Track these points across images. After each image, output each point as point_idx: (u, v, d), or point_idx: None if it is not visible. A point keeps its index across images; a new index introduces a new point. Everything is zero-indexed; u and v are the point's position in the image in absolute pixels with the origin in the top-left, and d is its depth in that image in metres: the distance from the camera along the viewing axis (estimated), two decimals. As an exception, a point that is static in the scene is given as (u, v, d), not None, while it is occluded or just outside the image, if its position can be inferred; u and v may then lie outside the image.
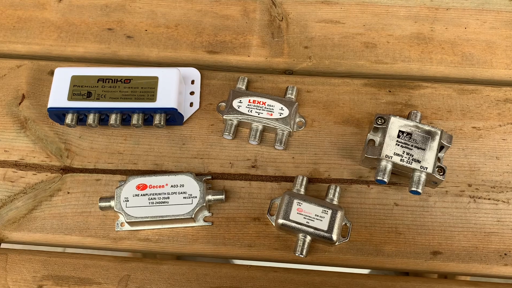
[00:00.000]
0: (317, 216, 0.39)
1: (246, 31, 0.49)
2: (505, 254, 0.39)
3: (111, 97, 0.41)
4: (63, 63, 0.47)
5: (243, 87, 0.45)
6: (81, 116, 0.43)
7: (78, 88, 0.42)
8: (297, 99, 0.45)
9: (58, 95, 0.42)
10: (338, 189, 0.40)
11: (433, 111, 0.44)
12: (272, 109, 0.43)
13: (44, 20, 0.50)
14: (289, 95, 0.44)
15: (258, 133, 0.43)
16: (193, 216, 0.39)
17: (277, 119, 0.43)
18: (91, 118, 0.42)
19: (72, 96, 0.42)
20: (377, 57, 0.48)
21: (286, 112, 0.43)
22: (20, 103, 0.45)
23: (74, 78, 0.42)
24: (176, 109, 0.42)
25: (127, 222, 0.39)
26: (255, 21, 0.49)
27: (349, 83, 0.46)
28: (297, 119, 0.44)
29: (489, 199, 0.41)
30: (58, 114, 0.42)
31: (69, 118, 0.42)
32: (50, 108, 0.41)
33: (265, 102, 0.43)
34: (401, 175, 0.41)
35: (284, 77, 0.47)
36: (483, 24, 0.49)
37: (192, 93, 0.45)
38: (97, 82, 0.42)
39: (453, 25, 0.49)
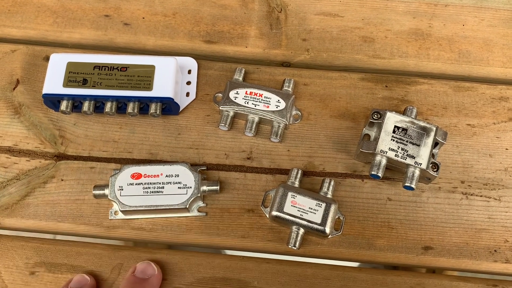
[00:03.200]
0: (311, 209, 0.39)
1: (244, 21, 0.49)
2: (495, 250, 0.40)
3: (107, 84, 0.41)
4: (58, 48, 0.47)
5: (240, 78, 0.45)
6: (76, 103, 0.42)
7: (74, 75, 0.41)
8: (294, 92, 0.45)
9: (53, 81, 0.41)
10: (332, 183, 0.40)
11: (429, 107, 0.45)
12: (269, 101, 0.43)
13: (40, 4, 0.49)
14: (286, 88, 0.44)
15: (254, 125, 0.43)
16: (187, 206, 0.39)
17: (273, 112, 0.43)
18: (86, 106, 0.42)
19: (68, 82, 0.41)
20: (375, 51, 0.48)
21: (282, 104, 0.43)
22: (14, 88, 0.45)
23: (70, 65, 0.42)
24: (172, 99, 0.41)
25: (121, 211, 0.39)
26: (253, 11, 0.49)
27: (346, 77, 0.46)
28: (294, 112, 0.44)
29: (481, 196, 0.41)
30: (53, 101, 0.42)
31: (64, 105, 0.42)
32: (45, 94, 0.41)
33: (262, 94, 0.43)
34: (395, 170, 0.41)
35: (281, 69, 0.47)
36: (481, 22, 0.49)
37: (188, 83, 0.45)
38: (93, 69, 0.42)
39: (451, 22, 0.49)
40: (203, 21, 0.49)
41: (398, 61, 0.47)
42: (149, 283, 0.37)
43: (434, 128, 0.40)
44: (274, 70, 0.46)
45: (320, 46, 0.48)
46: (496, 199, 0.41)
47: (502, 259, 0.39)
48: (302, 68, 0.47)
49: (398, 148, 0.40)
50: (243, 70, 0.45)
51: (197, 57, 0.47)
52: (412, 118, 0.41)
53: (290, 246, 0.39)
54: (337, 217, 0.40)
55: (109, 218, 0.40)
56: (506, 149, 0.43)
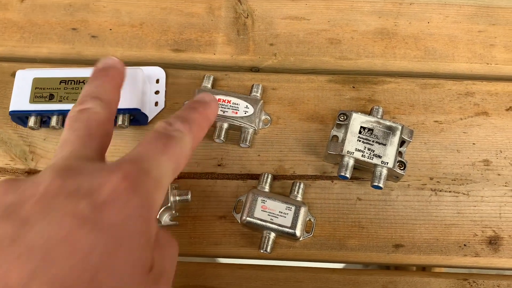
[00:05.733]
0: (281, 212, 0.39)
1: (211, 28, 0.49)
2: (464, 245, 0.40)
3: (73, 98, 0.41)
4: (27, 64, 0.47)
5: (209, 86, 0.45)
6: (44, 118, 0.42)
7: (40, 91, 0.42)
8: (263, 97, 0.45)
9: (20, 98, 0.41)
10: (302, 186, 0.41)
11: (396, 106, 0.45)
12: (237, 107, 0.43)
13: (6, 20, 0.49)
14: (254, 93, 0.45)
15: (223, 132, 0.43)
16: (158, 217, 0.39)
17: (242, 117, 0.43)
18: (54, 120, 0.42)
19: (34, 98, 0.41)
20: (342, 53, 0.48)
21: (251, 110, 0.43)
22: (-17, 106, 0.45)
23: (35, 81, 0.42)
24: (139, 110, 0.42)
25: (92, 224, 0.39)
26: (220, 18, 0.49)
27: (314, 79, 0.46)
28: (263, 117, 0.45)
29: (450, 191, 0.42)
30: (20, 117, 0.42)
31: (32, 121, 0.42)
32: (12, 111, 0.41)
33: (230, 101, 0.44)
34: (363, 170, 0.42)
35: (250, 74, 0.47)
36: (445, 19, 0.50)
37: (157, 92, 0.45)
38: (59, 84, 0.42)
39: (416, 20, 0.49)
40: (170, 30, 0.49)
41: (364, 61, 0.48)
42: (210, 107, 0.36)
43: (400, 127, 0.41)
44: (242, 76, 0.47)
45: (287, 50, 0.48)
46: (464, 194, 0.42)
47: (472, 253, 0.40)
48: (271, 73, 0.47)
49: (364, 149, 0.40)
50: (212, 77, 0.45)
51: (166, 66, 0.47)
52: (378, 118, 0.41)
53: (262, 251, 0.39)
54: (307, 219, 0.41)
55: (82, 231, 0.41)
56: (473, 144, 0.44)
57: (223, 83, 0.46)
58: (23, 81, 0.42)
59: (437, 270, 0.55)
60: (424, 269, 0.56)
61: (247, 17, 0.50)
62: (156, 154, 0.29)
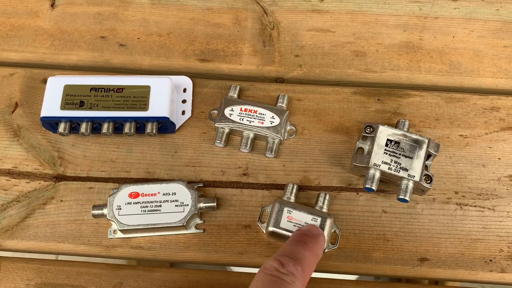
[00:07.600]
0: (307, 223, 0.39)
1: (237, 39, 0.50)
2: (490, 260, 0.40)
3: (103, 106, 0.42)
4: (56, 71, 0.48)
5: (235, 95, 0.45)
6: (74, 124, 0.43)
7: (71, 97, 0.42)
8: (288, 108, 0.46)
9: (51, 104, 0.42)
10: (327, 197, 0.41)
11: (421, 119, 0.45)
12: (263, 117, 0.44)
13: (37, 28, 0.50)
14: (280, 104, 0.45)
15: (249, 141, 0.43)
16: (184, 224, 0.40)
17: (268, 128, 0.43)
18: (83, 127, 0.42)
19: (65, 105, 0.42)
20: (367, 65, 0.48)
21: (277, 120, 0.44)
22: (13, 111, 0.46)
23: (67, 87, 0.43)
24: (168, 118, 0.42)
25: (119, 230, 0.40)
26: (246, 29, 0.50)
27: (339, 91, 0.47)
28: (288, 127, 0.45)
29: (475, 206, 0.42)
30: (51, 123, 0.43)
31: (62, 127, 0.42)
32: (43, 117, 0.42)
33: (257, 111, 0.44)
34: (389, 183, 0.42)
35: (275, 85, 0.47)
36: (470, 33, 0.50)
37: (184, 101, 0.46)
38: (90, 91, 0.42)
39: (441, 34, 0.50)
40: (197, 40, 0.49)
41: (389, 74, 0.48)
42: (319, 242, 0.35)
43: (426, 141, 0.41)
44: (268, 87, 0.47)
45: (312, 62, 0.49)
46: (490, 209, 0.42)
47: (498, 269, 0.40)
48: (296, 84, 0.48)
49: (391, 161, 0.40)
50: (238, 87, 0.46)
51: (192, 75, 0.48)
52: (404, 131, 0.41)
53: (287, 261, 0.39)
54: (333, 231, 0.41)
55: (108, 237, 0.41)
56: (499, 158, 0.44)
57: (249, 93, 0.47)
58: (55, 87, 0.43)
59: (449, 284, 0.54)
60: (437, 283, 0.56)
61: (273, 29, 0.50)
62: None
